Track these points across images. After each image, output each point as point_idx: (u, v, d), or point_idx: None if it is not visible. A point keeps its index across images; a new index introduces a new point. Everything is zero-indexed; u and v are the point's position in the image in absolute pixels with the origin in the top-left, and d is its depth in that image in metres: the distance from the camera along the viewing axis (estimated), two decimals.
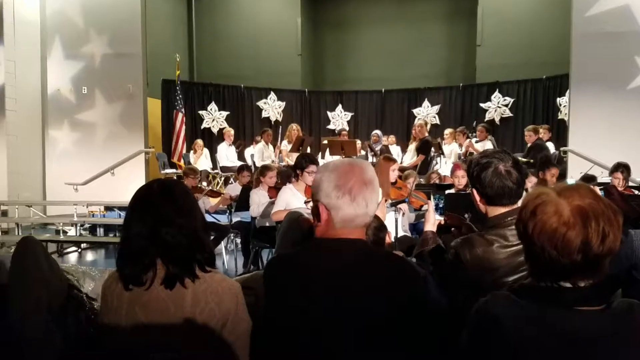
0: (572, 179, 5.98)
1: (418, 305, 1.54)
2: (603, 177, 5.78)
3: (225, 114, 12.25)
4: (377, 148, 10.04)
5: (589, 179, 5.23)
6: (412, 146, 9.75)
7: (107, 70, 8.73)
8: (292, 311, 1.51)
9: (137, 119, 8.69)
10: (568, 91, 7.84)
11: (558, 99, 10.40)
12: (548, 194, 1.29)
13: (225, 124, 11.90)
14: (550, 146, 8.63)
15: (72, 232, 7.94)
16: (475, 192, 2.17)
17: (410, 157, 9.49)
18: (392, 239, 4.64)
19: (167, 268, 1.51)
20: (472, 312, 1.40)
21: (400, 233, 4.85)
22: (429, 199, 4.69)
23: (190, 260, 1.52)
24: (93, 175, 8.28)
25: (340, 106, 12.99)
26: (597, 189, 2.39)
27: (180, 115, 10.96)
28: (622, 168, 4.86)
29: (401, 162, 9.23)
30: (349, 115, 12.96)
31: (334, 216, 1.53)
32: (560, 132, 9.52)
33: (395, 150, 10.13)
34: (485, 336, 1.34)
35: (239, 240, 6.38)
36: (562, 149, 8.02)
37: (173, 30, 12.64)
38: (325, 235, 1.58)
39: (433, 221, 2.54)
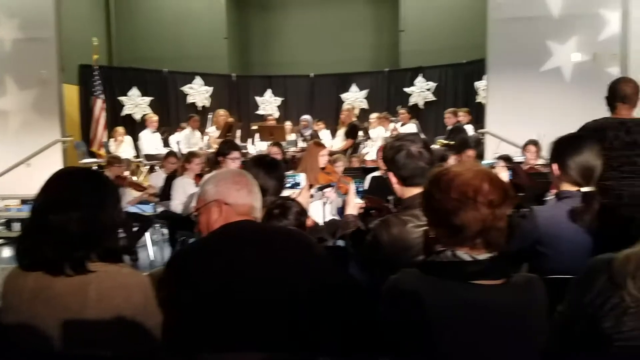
0: (490, 160, 6.27)
1: (319, 274, 1.66)
2: (518, 157, 6.10)
3: (148, 99, 11.82)
4: (307, 133, 10.08)
5: (505, 158, 5.51)
6: (340, 131, 9.87)
7: (19, 56, 8.18)
8: (203, 297, 1.56)
9: (52, 106, 8.21)
10: (485, 75, 8.18)
11: (476, 83, 10.83)
12: (447, 168, 1.45)
13: (148, 110, 11.49)
14: (470, 128, 9.01)
15: None
16: (391, 175, 2.25)
17: (339, 142, 9.61)
18: (321, 223, 4.72)
19: (49, 254, 1.47)
20: (383, 288, 1.46)
21: (329, 217, 4.93)
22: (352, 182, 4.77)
23: (78, 250, 1.47)
24: (7, 168, 7.80)
25: (269, 91, 12.87)
26: (504, 168, 2.53)
27: (99, 102, 10.45)
28: (531, 143, 5.19)
29: (331, 147, 9.33)
30: (279, 100, 12.88)
31: (235, 207, 1.73)
32: (479, 115, 9.92)
33: (325, 135, 10.21)
34: (396, 311, 1.41)
35: (166, 231, 6.22)
36: (479, 130, 8.39)
37: (90, 13, 11.97)
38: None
39: (353, 204, 2.60)
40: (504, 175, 2.54)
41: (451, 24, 11.46)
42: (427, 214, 1.47)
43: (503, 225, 1.36)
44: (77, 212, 1.48)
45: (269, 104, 12.83)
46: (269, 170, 2.40)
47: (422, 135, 9.65)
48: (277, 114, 12.41)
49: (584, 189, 2.22)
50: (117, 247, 1.59)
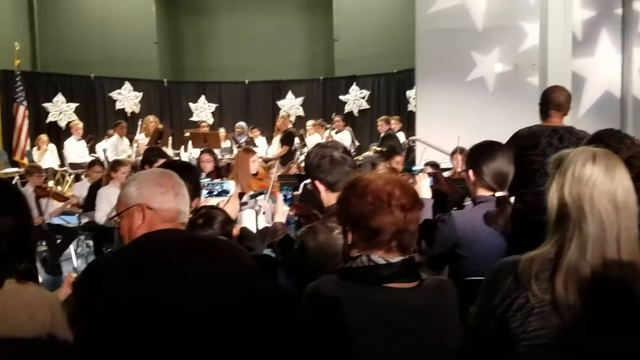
0: (418, 166, 6.46)
1: (245, 283, 1.61)
2: (445, 163, 6.32)
3: (74, 106, 11.34)
4: (242, 140, 10.01)
5: (432, 164, 5.70)
6: (276, 138, 9.87)
7: None
8: (120, 312, 1.45)
9: None
10: (415, 84, 8.44)
11: (408, 92, 11.15)
12: (360, 175, 1.51)
13: (74, 117, 11.00)
14: (401, 136, 9.26)
15: None
16: (317, 182, 2.26)
17: (275, 149, 9.60)
18: (254, 231, 4.68)
19: None
20: (302, 295, 1.48)
21: (262, 224, 4.89)
22: (280, 190, 4.77)
23: None
24: None
25: (203, 97, 12.68)
26: (426, 175, 2.61)
27: (21, 109, 9.94)
28: (458, 151, 5.40)
29: (266, 154, 9.30)
30: (213, 106, 12.71)
31: (160, 212, 1.58)
32: (411, 122, 10.21)
33: (260, 142, 10.18)
34: (315, 316, 1.44)
35: (91, 242, 5.96)
36: (410, 138, 8.64)
37: (12, 16, 11.32)
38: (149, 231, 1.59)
39: (282, 212, 2.59)
40: (425, 182, 2.61)
41: (383, 34, 11.75)
42: (344, 219, 1.50)
43: (414, 229, 1.43)
44: None
45: (202, 110, 12.64)
46: (181, 175, 2.32)
47: (357, 142, 9.90)
48: (211, 121, 12.25)
49: (498, 194, 2.32)
50: (28, 265, 1.50)
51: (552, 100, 3.19)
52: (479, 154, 2.37)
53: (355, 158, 10.06)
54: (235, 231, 2.55)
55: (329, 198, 2.27)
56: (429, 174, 2.67)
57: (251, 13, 12.98)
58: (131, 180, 1.65)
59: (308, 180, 5.42)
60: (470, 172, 2.37)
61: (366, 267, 1.41)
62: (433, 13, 7.67)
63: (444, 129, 7.48)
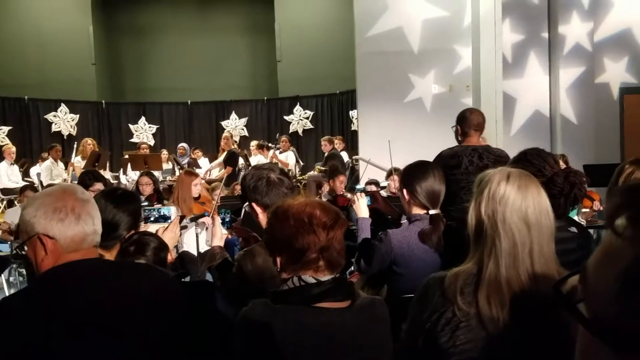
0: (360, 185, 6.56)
1: (175, 313, 1.49)
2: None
3: (6, 129, 10.83)
4: (184, 161, 9.85)
5: (373, 183, 5.80)
6: (220, 159, 9.76)
7: None
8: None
9: None
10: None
11: (351, 112, 11.36)
12: (282, 202, 1.56)
13: (7, 141, 10.50)
14: (345, 155, 9.40)
15: None
16: (255, 205, 2.26)
17: (218, 170, 9.49)
18: (196, 254, 4.59)
19: None
20: (235, 321, 1.48)
21: (203, 248, 4.80)
22: (218, 213, 4.72)
23: None
24: None
25: (143, 118, 12.42)
26: (363, 194, 2.66)
27: None
28: (395, 171, 5.54)
29: (209, 175, 9.18)
30: (154, 127, 12.46)
31: (62, 241, 1.40)
32: (354, 142, 10.39)
33: (203, 163, 10.04)
34: (248, 341, 1.44)
35: (24, 271, 5.66)
36: (354, 157, 8.77)
37: None
38: (55, 264, 1.41)
39: (220, 235, 2.55)
40: (363, 201, 2.66)
41: (325, 55, 11.96)
42: (271, 246, 1.52)
43: (340, 247, 1.46)
44: None
45: (143, 131, 12.37)
46: (120, 204, 2.22)
47: (301, 162, 9.95)
48: (152, 142, 12.00)
49: (432, 212, 2.40)
50: None
51: (472, 121, 3.37)
52: (412, 174, 2.45)
53: (300, 177, 10.13)
54: (170, 257, 2.48)
55: (266, 220, 2.27)
56: (367, 194, 2.72)
57: (193, 34, 12.91)
58: (27, 205, 1.46)
59: None
60: (405, 191, 2.44)
61: (297, 287, 1.42)
62: (372, 36, 7.88)
63: (386, 148, 7.66)
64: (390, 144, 5.98)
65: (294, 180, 9.65)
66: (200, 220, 4.61)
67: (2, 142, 10.56)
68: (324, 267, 1.43)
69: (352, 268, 2.88)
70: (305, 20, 12.31)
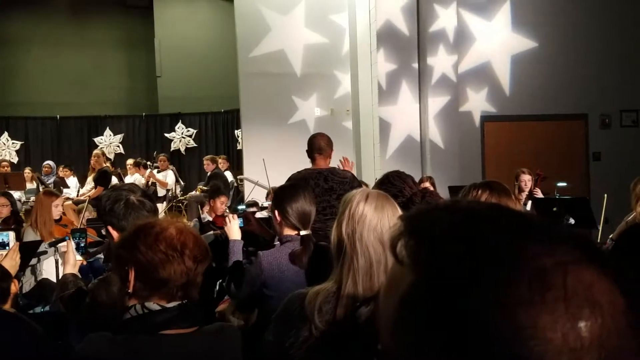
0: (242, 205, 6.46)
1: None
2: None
3: None
4: (50, 180, 9.09)
5: (252, 204, 5.75)
6: (90, 177, 9.12)
7: None
8: None
9: None
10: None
11: (236, 131, 11.26)
12: (151, 221, 1.46)
13: None
14: (229, 175, 9.25)
15: None
16: (111, 228, 2.10)
17: (88, 189, 8.85)
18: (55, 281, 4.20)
19: None
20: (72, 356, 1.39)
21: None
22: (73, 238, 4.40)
23: None
24: None
25: (6, 134, 11.32)
26: (235, 216, 2.61)
27: None
28: (272, 190, 5.56)
29: (79, 195, 8.54)
30: (17, 144, 11.39)
31: None
32: (240, 162, 10.28)
33: (72, 182, 9.33)
34: None
35: None
36: (238, 177, 8.66)
37: None
38: None
39: (73, 262, 2.34)
40: (235, 223, 2.60)
41: (209, 73, 11.78)
42: (127, 265, 1.40)
43: (199, 281, 1.40)
44: None
45: (5, 148, 11.26)
46: None
47: (181, 182, 9.62)
48: (16, 160, 10.96)
49: (302, 233, 2.40)
50: None
51: (315, 145, 3.56)
52: (283, 195, 2.44)
53: (181, 197, 9.76)
54: (14, 288, 2.23)
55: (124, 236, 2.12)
56: (239, 215, 2.66)
57: (65, 46, 12.10)
58: None
59: None
60: (276, 212, 2.43)
61: (139, 315, 1.34)
62: (255, 57, 7.90)
63: (271, 169, 7.67)
64: (265, 162, 5.99)
65: (174, 200, 9.30)
66: (61, 244, 4.25)
67: None
68: (178, 298, 1.37)
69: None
70: (186, 37, 12.07)
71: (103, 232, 2.28)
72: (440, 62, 7.23)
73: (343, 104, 8.17)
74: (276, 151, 7.73)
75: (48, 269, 4.28)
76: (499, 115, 7.67)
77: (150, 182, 8.74)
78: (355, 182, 3.48)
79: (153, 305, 1.35)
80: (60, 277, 4.22)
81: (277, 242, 2.54)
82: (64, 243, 4.22)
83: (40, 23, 12.04)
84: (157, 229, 1.40)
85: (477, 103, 7.64)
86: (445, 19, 7.22)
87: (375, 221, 1.36)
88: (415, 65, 7.35)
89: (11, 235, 2.70)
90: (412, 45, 7.32)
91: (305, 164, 6.86)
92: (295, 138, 8.01)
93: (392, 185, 2.17)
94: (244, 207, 6.37)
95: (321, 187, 3.22)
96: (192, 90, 11.82)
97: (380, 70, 7.26)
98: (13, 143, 11.39)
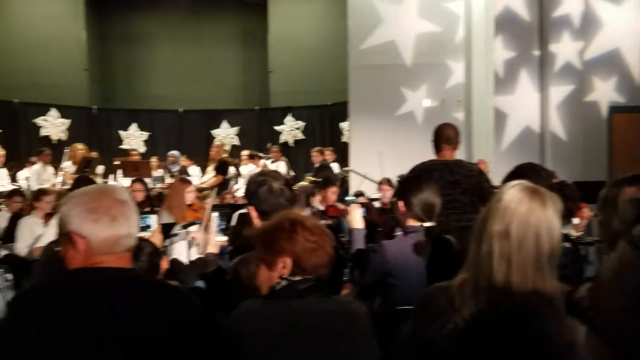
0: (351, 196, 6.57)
1: (192, 334, 1.47)
2: (377, 193, 6.46)
3: None
4: (175, 169, 9.80)
5: (359, 195, 5.83)
6: (210, 167, 9.73)
7: None
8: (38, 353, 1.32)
9: None
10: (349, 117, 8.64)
11: (342, 124, 11.39)
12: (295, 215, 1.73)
13: None
14: (335, 166, 9.40)
15: None
16: (252, 209, 2.26)
17: (208, 178, 9.45)
18: (186, 262, 4.56)
19: None
20: (231, 315, 1.63)
21: (195, 256, 4.78)
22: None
23: None
24: None
25: (135, 125, 12.36)
26: (358, 205, 2.67)
27: None
28: (385, 182, 5.60)
29: (200, 183, 9.15)
30: (145, 134, 12.41)
31: (93, 242, 1.38)
32: (344, 154, 10.41)
33: (194, 171, 10.00)
34: (246, 332, 1.57)
35: (11, 276, 5.58)
36: (344, 169, 8.79)
37: None
38: (84, 265, 1.41)
39: (214, 243, 2.55)
40: (358, 212, 2.67)
41: (317, 67, 12.00)
42: (286, 253, 1.61)
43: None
44: None
45: (134, 138, 12.30)
46: None
47: (292, 172, 9.95)
48: (143, 149, 11.93)
49: (427, 224, 2.41)
50: None
51: (443, 135, 3.43)
52: (408, 186, 2.46)
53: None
54: (165, 264, 2.47)
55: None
56: (362, 205, 2.73)
57: (186, 42, 12.93)
58: (66, 200, 1.45)
59: (242, 210, 5.40)
60: (400, 204, 2.45)
61: (286, 285, 1.61)
62: (365, 49, 7.94)
63: (376, 161, 7.70)
64: (380, 155, 6.01)
65: None
66: (192, 227, 4.60)
67: None
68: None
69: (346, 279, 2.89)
70: (298, 32, 12.38)
71: None
72: (564, 49, 6.82)
73: (454, 94, 7.97)
74: (382, 143, 7.75)
75: (179, 250, 4.64)
76: (629, 106, 7.07)
77: None
78: (483, 177, 3.36)
79: (296, 278, 1.61)
80: (190, 258, 4.60)
81: (399, 232, 2.57)
82: (195, 226, 4.59)
83: (163, 21, 12.98)
84: (308, 223, 1.66)
85: (605, 93, 7.10)
86: (570, 4, 6.79)
87: (536, 214, 1.34)
88: (536, 52, 7.00)
89: (154, 218, 2.97)
90: (532, 32, 6.98)
91: (413, 155, 6.81)
92: (402, 130, 7.97)
93: (526, 178, 2.10)
94: (352, 198, 6.48)
95: (446, 179, 3.15)
96: (301, 84, 12.11)
97: (497, 58, 7.01)
98: (141, 134, 12.42)
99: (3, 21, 11.62)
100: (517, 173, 2.17)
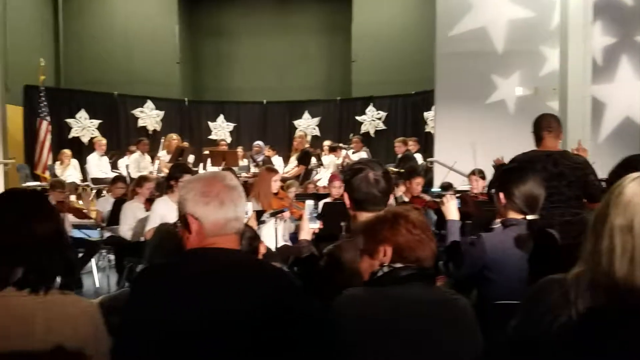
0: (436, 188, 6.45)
1: (295, 316, 1.52)
2: (463, 185, 6.30)
3: (96, 122, 11.52)
4: (259, 159, 10.09)
5: (446, 186, 5.70)
6: (293, 157, 9.93)
7: None
8: (161, 326, 1.43)
9: None
10: (434, 106, 8.46)
11: (425, 113, 11.18)
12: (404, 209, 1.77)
13: (96, 133, 11.19)
14: (419, 157, 9.26)
15: None
16: (346, 195, 2.28)
17: (291, 168, 9.65)
18: (273, 249, 4.70)
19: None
20: (338, 298, 1.65)
21: (281, 242, 4.92)
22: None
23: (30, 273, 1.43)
24: None
25: (222, 116, 12.85)
26: (453, 197, 2.62)
27: (44, 124, 10.11)
28: (476, 172, 5.41)
29: (283, 173, 9.36)
30: (231, 125, 12.86)
31: (205, 224, 1.49)
32: (428, 144, 10.23)
33: (277, 161, 10.24)
34: (351, 315, 1.60)
35: (112, 257, 6.02)
36: (428, 159, 8.63)
37: (37, 33, 11.62)
38: (199, 246, 1.53)
39: (307, 229, 2.59)
40: (453, 203, 2.62)
41: (401, 56, 11.84)
42: (389, 244, 1.63)
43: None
44: (25, 235, 1.43)
45: (221, 129, 12.79)
46: None
47: None
48: (229, 140, 12.38)
49: (529, 217, 2.32)
50: (69, 274, 1.53)
51: (544, 123, 3.24)
52: (509, 177, 2.38)
53: None
54: (263, 248, 2.56)
55: (357, 215, 2.27)
56: (458, 197, 2.67)
57: (271, 35, 13.19)
58: (184, 184, 1.58)
59: (327, 200, 5.46)
60: (501, 195, 2.38)
61: (386, 272, 1.63)
62: (454, 36, 7.73)
63: (463, 151, 7.49)
64: (473, 146, 5.83)
65: None
66: (279, 215, 4.74)
67: (92, 134, 11.25)
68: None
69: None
70: (383, 21, 12.26)
71: None
72: None
73: (549, 83, 7.58)
74: (471, 133, 7.52)
75: (267, 237, 4.79)
76: None
77: (345, 163, 9.17)
78: (590, 169, 3.15)
79: (397, 265, 1.63)
80: (278, 244, 4.73)
81: (497, 225, 2.49)
82: (282, 214, 4.72)
83: (249, 15, 13.31)
84: (412, 216, 1.66)
85: None
86: None
87: None
88: (639, 38, 6.48)
89: (249, 205, 3.08)
90: (635, 16, 6.47)
91: (504, 145, 6.55)
92: (492, 118, 7.69)
93: (635, 169, 1.97)
94: (437, 190, 6.35)
95: (549, 171, 2.99)
96: (383, 74, 12.01)
97: (596, 44, 6.58)
98: (227, 125, 12.88)
99: (104, 20, 12.44)
100: (627, 165, 2.04)
